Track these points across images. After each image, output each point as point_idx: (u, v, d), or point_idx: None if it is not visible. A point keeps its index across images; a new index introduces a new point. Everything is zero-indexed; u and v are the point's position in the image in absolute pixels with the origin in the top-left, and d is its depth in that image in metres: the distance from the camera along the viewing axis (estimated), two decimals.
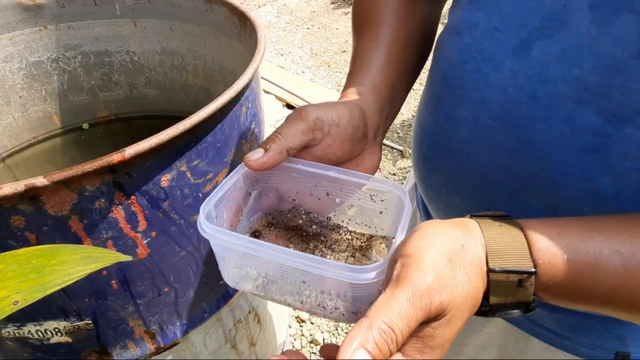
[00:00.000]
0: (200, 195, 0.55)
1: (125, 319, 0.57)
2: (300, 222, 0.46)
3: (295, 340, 1.44)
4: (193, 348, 0.69)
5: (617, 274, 0.29)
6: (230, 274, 0.41)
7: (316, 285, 0.35)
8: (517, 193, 0.39)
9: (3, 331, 0.53)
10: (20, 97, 0.89)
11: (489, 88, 0.38)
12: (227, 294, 0.69)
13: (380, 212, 0.44)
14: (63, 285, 0.27)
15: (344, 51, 2.96)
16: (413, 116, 2.42)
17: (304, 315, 1.51)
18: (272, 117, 2.11)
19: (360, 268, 0.31)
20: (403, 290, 0.27)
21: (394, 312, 0.26)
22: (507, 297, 0.30)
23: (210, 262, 0.62)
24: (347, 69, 2.21)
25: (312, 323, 1.50)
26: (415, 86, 2.68)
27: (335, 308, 0.35)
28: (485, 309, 0.30)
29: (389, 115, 0.48)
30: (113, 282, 0.52)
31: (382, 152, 2.12)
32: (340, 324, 1.49)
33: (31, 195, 0.41)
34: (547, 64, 0.35)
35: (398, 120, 2.37)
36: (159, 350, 0.63)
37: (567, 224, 0.31)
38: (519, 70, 0.36)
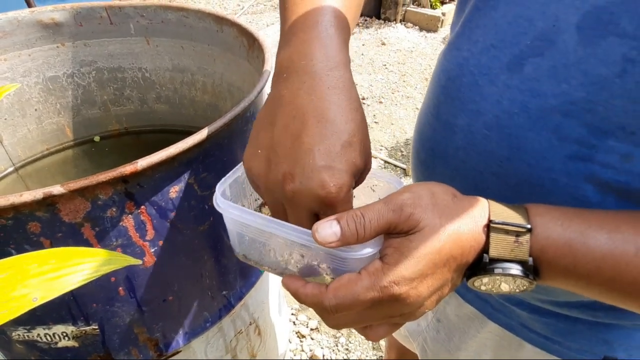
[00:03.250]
0: (207, 207, 0.57)
1: (130, 325, 0.59)
2: None
3: (295, 355, 1.45)
4: (195, 357, 0.70)
5: (604, 244, 0.31)
6: (239, 246, 0.43)
7: (312, 258, 0.37)
8: (508, 198, 0.41)
9: (13, 334, 0.55)
10: (35, 110, 0.92)
11: (484, 100, 0.41)
12: (229, 304, 0.71)
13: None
14: (79, 284, 0.29)
15: None
16: None
17: (305, 330, 1.52)
18: None
19: (356, 246, 0.33)
20: (382, 199, 0.33)
21: (369, 207, 0.32)
22: (505, 250, 0.32)
23: (213, 272, 0.64)
24: None
25: (312, 339, 1.51)
26: (419, 105, 2.71)
27: (326, 274, 0.38)
28: (485, 262, 0.33)
29: None
30: (120, 288, 0.55)
31: (386, 170, 2.14)
32: (341, 340, 1.49)
33: (48, 202, 0.44)
34: (539, 79, 0.38)
35: (402, 138, 2.40)
36: (161, 358, 0.65)
37: (570, 209, 0.34)
38: (512, 84, 0.39)
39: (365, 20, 3.75)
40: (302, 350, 1.47)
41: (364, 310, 0.33)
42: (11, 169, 0.93)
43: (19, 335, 0.55)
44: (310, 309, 1.58)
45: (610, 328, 0.46)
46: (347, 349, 1.47)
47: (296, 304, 1.60)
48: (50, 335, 0.56)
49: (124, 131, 1.06)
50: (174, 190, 0.52)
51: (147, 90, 1.00)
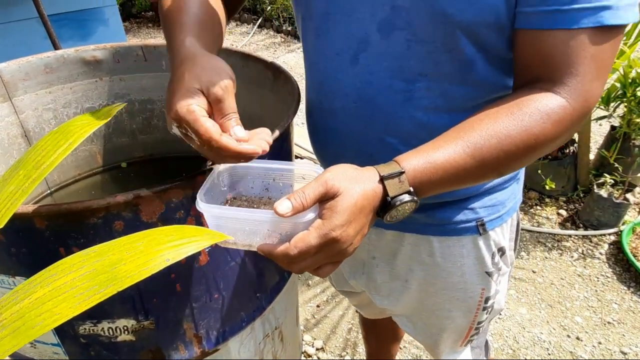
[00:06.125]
0: None
1: (181, 321, 0.66)
2: (255, 198, 0.59)
3: None
4: (230, 356, 0.77)
5: (439, 157, 0.49)
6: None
7: (275, 230, 0.49)
8: (379, 139, 0.65)
9: (80, 328, 0.62)
10: None
11: (346, 87, 0.64)
12: (261, 306, 0.78)
13: None
14: (195, 251, 0.38)
15: None
16: None
17: (311, 350, 1.57)
18: None
19: (302, 214, 0.46)
20: (314, 179, 0.47)
21: (306, 186, 0.46)
22: (396, 189, 0.48)
23: (252, 274, 0.72)
24: None
25: (318, 358, 1.56)
26: None
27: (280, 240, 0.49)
28: (389, 201, 0.49)
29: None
30: (177, 284, 0.62)
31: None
32: (346, 358, 1.54)
33: (134, 203, 0.52)
34: (370, 64, 0.61)
35: None
36: (203, 354, 0.71)
37: (420, 147, 0.51)
38: (358, 72, 0.62)
39: None
40: None
41: (315, 254, 0.46)
42: (47, 192, 1.01)
43: (85, 329, 0.62)
44: (315, 329, 1.64)
45: (472, 200, 0.69)
46: None
47: (300, 326, 1.66)
48: (112, 329, 0.63)
49: (149, 157, 1.15)
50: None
51: None
